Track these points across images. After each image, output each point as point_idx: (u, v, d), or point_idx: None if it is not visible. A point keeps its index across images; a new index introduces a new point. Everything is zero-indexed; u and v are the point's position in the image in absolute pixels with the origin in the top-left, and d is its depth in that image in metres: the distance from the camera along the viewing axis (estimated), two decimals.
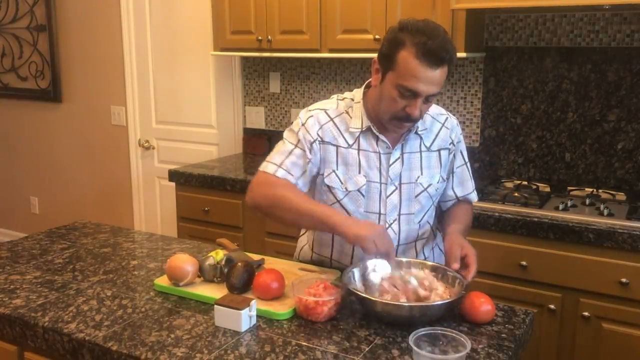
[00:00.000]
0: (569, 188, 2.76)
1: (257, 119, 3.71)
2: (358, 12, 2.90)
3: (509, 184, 2.84)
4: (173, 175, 3.28)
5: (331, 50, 3.03)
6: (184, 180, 3.23)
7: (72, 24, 4.29)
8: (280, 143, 1.81)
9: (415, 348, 1.30)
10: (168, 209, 3.95)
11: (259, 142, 3.65)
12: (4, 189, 4.97)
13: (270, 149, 3.81)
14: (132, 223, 4.27)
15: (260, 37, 3.18)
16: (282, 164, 1.75)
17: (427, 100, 1.63)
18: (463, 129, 3.08)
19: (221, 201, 3.12)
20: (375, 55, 1.69)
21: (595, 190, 2.70)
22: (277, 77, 3.60)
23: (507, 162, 3.01)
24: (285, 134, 1.82)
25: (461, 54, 2.70)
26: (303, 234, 2.02)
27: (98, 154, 4.37)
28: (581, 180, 2.85)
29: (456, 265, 1.60)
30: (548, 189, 2.76)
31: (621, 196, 2.63)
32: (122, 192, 4.30)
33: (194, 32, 3.76)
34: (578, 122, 2.83)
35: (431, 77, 1.57)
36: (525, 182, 2.83)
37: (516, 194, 2.61)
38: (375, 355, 1.37)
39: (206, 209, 3.17)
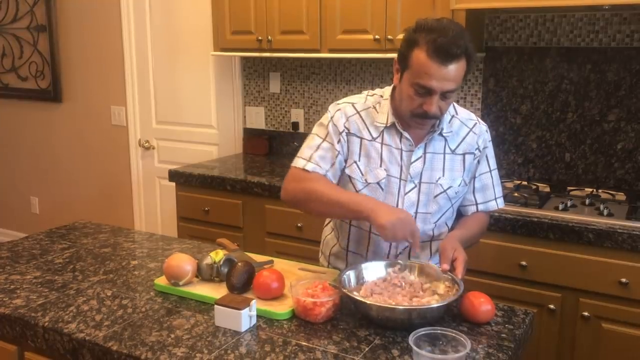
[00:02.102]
0: (569, 188, 2.76)
1: (257, 119, 3.71)
2: (358, 12, 2.90)
3: (509, 184, 2.84)
4: (173, 175, 3.28)
5: (331, 50, 3.03)
6: (184, 180, 3.23)
7: (72, 24, 4.29)
8: (309, 137, 1.85)
9: (415, 348, 1.30)
10: (168, 209, 3.96)
11: (259, 142, 3.65)
12: (4, 189, 4.97)
13: (270, 149, 3.83)
14: (132, 223, 4.27)
15: (260, 37, 3.18)
16: (311, 158, 1.79)
17: (445, 97, 1.65)
18: None
19: (221, 201, 3.12)
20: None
21: (595, 190, 2.70)
22: (277, 77, 3.60)
23: (507, 162, 3.01)
24: (315, 128, 1.86)
25: None
26: (326, 225, 2.04)
27: (98, 154, 4.37)
28: (581, 180, 2.85)
29: (446, 266, 1.62)
30: (548, 189, 2.76)
31: (621, 196, 2.63)
32: (122, 192, 4.30)
33: (194, 32, 3.76)
34: (578, 122, 2.83)
35: (444, 74, 1.59)
36: (525, 182, 2.83)
37: (516, 194, 2.61)
38: (375, 355, 1.37)
39: (206, 209, 3.17)
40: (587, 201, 2.55)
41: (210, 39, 3.48)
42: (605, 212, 2.39)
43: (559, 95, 2.85)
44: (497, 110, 3.00)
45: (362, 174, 1.78)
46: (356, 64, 3.34)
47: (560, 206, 2.46)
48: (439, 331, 1.36)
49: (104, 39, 4.14)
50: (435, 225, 1.83)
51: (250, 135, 3.72)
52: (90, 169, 4.45)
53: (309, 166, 1.78)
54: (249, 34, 3.22)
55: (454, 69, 1.60)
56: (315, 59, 3.43)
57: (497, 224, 2.42)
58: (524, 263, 2.40)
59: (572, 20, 2.78)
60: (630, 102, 2.71)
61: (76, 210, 4.48)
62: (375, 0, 2.84)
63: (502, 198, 1.93)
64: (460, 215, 1.92)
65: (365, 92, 1.87)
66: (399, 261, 1.72)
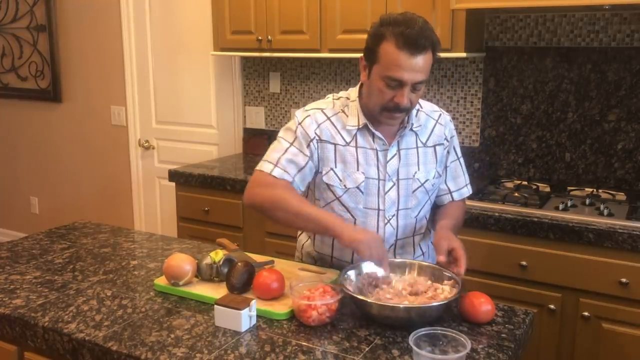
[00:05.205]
0: (569, 188, 2.76)
1: (257, 119, 3.72)
2: (358, 12, 2.90)
3: (509, 184, 2.84)
4: (173, 175, 3.28)
5: (331, 50, 3.03)
6: (184, 180, 3.23)
7: (72, 24, 4.29)
8: (275, 142, 1.83)
9: (415, 348, 1.30)
10: (168, 209, 3.95)
11: (259, 142, 3.65)
12: (4, 189, 4.97)
13: None
14: (132, 223, 4.27)
15: (260, 37, 3.18)
16: (278, 163, 1.76)
17: (415, 88, 1.65)
18: (463, 129, 3.08)
19: (221, 201, 3.12)
20: None
21: (595, 190, 2.69)
22: (277, 77, 3.60)
23: (507, 162, 3.01)
24: (281, 132, 1.83)
25: (461, 54, 2.71)
26: (302, 234, 2.03)
27: (98, 154, 4.37)
28: (581, 180, 2.85)
29: (442, 258, 1.62)
30: (548, 189, 2.76)
31: (621, 196, 2.63)
32: (122, 192, 4.30)
33: (194, 32, 3.76)
34: (578, 122, 2.83)
35: (414, 65, 1.60)
36: (525, 182, 2.83)
37: (516, 194, 2.61)
38: (376, 355, 1.37)
39: (206, 209, 3.17)
40: (587, 201, 2.55)
41: (210, 39, 3.49)
42: (606, 212, 2.39)
43: (559, 95, 2.85)
44: (497, 110, 2.99)
45: (341, 180, 1.77)
46: (356, 63, 3.33)
47: (561, 206, 2.46)
48: (439, 331, 1.36)
49: (104, 39, 4.14)
50: (416, 219, 1.85)
51: (250, 135, 3.72)
52: (90, 169, 4.45)
53: (276, 172, 1.75)
54: (248, 34, 3.22)
55: (423, 60, 1.61)
56: (315, 58, 3.43)
57: (497, 224, 2.42)
58: (524, 263, 2.40)
59: (572, 20, 2.78)
60: (630, 102, 2.71)
61: (76, 210, 4.48)
62: (375, 0, 2.84)
63: (469, 186, 1.97)
64: (434, 206, 1.94)
65: (330, 96, 1.87)
66: (401, 260, 1.72)
